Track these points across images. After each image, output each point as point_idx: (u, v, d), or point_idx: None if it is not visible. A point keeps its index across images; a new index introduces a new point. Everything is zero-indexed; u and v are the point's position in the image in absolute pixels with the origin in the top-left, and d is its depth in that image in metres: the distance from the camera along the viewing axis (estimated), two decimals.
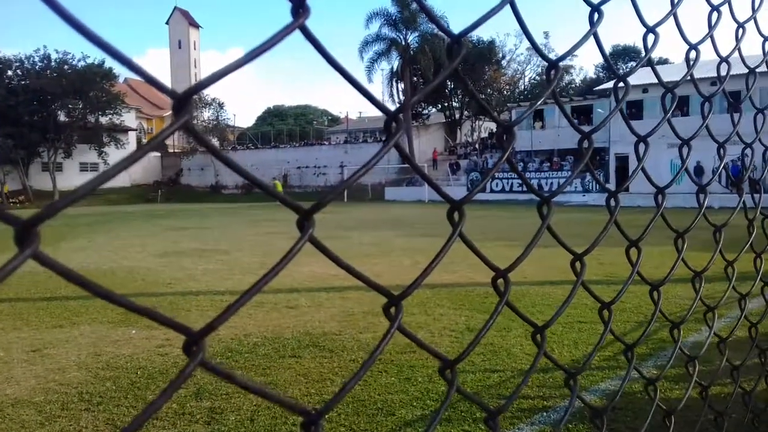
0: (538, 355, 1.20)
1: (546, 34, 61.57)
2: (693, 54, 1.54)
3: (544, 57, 1.14)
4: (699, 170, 32.54)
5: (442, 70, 0.93)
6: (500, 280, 1.09)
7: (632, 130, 1.44)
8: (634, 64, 1.46)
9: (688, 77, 1.53)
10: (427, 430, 0.93)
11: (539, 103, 1.20)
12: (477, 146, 54.39)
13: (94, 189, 0.52)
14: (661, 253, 8.65)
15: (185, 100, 0.57)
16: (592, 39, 1.22)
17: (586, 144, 1.27)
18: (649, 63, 1.42)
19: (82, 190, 0.51)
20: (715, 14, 1.62)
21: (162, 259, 12.89)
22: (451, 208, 0.95)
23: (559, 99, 1.21)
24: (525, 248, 1.11)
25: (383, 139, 0.84)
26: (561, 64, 1.15)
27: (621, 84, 1.37)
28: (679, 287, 7.87)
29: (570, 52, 1.17)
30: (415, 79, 53.27)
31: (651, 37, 1.37)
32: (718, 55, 1.71)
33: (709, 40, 1.58)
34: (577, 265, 1.29)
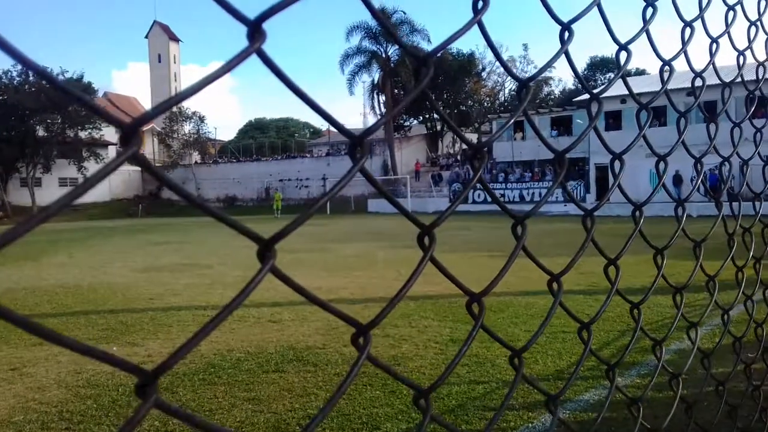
0: (515, 379, 1.19)
1: (525, 47, 62.28)
2: (667, 70, 1.56)
3: (514, 77, 1.14)
4: (678, 179, 32.92)
5: (410, 92, 0.92)
6: (474, 304, 1.07)
7: (607, 148, 1.45)
8: (612, 75, 1.47)
9: (663, 92, 1.54)
10: None
11: (509, 123, 1.21)
12: (459, 157, 54.62)
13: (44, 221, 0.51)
14: (638, 262, 8.71)
15: (133, 131, 0.55)
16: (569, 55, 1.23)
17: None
18: (623, 80, 1.43)
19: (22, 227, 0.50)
20: (688, 30, 1.63)
21: (143, 274, 12.76)
22: (422, 233, 0.92)
23: (531, 118, 1.22)
24: (499, 272, 1.10)
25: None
26: (539, 78, 1.16)
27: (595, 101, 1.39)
28: (659, 296, 7.93)
29: (541, 72, 1.17)
30: (396, 91, 53.49)
31: (624, 55, 1.38)
32: (693, 70, 1.72)
33: (683, 55, 1.61)
34: (554, 285, 1.29)
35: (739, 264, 2.11)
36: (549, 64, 1.17)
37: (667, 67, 1.55)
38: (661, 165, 1.59)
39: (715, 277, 1.94)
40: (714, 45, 1.77)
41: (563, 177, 1.25)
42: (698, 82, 1.72)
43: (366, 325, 0.86)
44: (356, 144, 0.80)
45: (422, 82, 0.89)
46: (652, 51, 1.54)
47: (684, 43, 1.60)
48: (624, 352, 1.60)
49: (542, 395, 4.24)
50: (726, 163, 1.96)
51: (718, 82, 1.96)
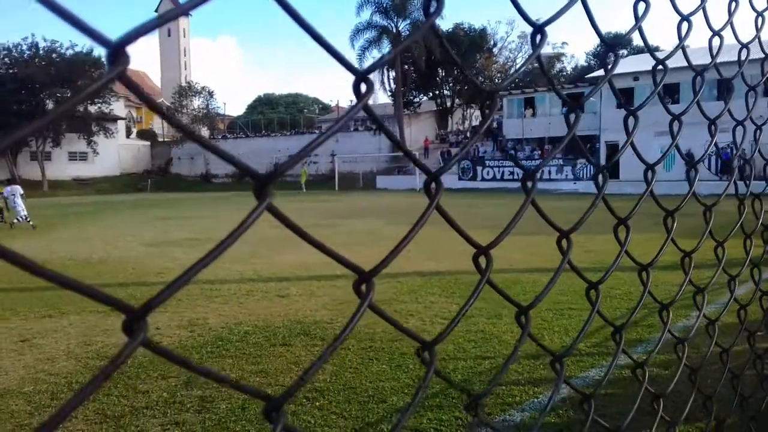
0: (522, 336, 1.17)
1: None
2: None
3: (529, 21, 1.10)
4: (689, 158, 32.63)
5: (420, 27, 0.88)
6: (481, 257, 1.05)
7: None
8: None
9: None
10: (404, 413, 0.91)
11: (523, 65, 1.19)
12: (468, 134, 54.31)
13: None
14: (648, 240, 8.65)
15: (121, 49, 0.53)
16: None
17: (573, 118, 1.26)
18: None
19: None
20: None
21: (152, 249, 12.84)
22: (428, 179, 0.91)
23: (544, 65, 1.19)
24: (508, 224, 1.07)
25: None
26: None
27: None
28: (668, 274, 7.90)
29: (558, 15, 1.12)
30: (405, 67, 53.14)
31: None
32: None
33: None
34: (564, 243, 1.27)
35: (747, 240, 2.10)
36: (566, 8, 1.12)
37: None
38: (675, 125, 1.61)
39: (724, 242, 1.94)
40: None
41: (574, 133, 1.22)
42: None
43: (369, 272, 0.84)
44: (360, 80, 0.76)
45: (431, 17, 0.86)
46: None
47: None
48: (632, 312, 1.60)
49: (548, 371, 4.22)
50: (740, 128, 1.94)
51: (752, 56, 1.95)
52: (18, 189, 19.01)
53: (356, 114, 0.77)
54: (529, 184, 1.12)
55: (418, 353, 0.97)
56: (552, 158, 1.23)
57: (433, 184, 0.91)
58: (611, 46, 1.31)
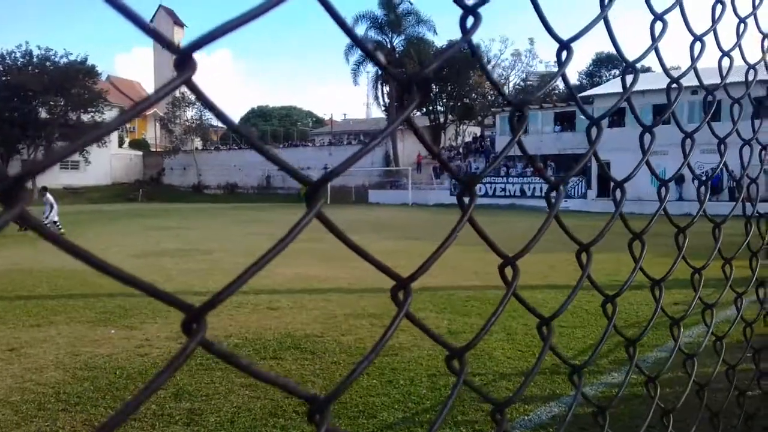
0: (544, 348, 1.17)
1: (531, 41, 61.79)
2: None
3: (555, 37, 1.08)
4: (680, 178, 32.88)
5: (457, 43, 0.87)
6: (508, 268, 1.03)
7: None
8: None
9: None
10: (434, 423, 0.91)
11: (551, 83, 1.20)
12: (461, 150, 54.50)
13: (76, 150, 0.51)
14: (657, 262, 8.70)
15: (187, 56, 0.54)
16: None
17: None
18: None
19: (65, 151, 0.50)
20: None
21: (142, 260, 12.78)
22: (461, 191, 0.90)
23: (569, 82, 1.19)
24: (534, 235, 1.06)
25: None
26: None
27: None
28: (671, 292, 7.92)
29: (582, 33, 1.11)
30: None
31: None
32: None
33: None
34: (583, 256, 1.27)
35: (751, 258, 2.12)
36: (591, 26, 1.13)
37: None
38: (688, 142, 1.64)
39: (731, 260, 1.96)
40: (742, 25, 1.80)
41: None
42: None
43: (407, 278, 0.83)
44: (405, 90, 0.77)
45: (468, 32, 0.85)
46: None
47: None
48: (647, 326, 1.61)
49: (539, 389, 4.20)
50: (748, 146, 1.97)
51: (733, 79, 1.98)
52: (51, 197, 20.19)
53: (403, 119, 0.78)
54: (553, 195, 1.12)
55: (448, 361, 0.96)
56: (575, 172, 1.24)
57: (467, 196, 0.91)
58: (631, 63, 1.32)
